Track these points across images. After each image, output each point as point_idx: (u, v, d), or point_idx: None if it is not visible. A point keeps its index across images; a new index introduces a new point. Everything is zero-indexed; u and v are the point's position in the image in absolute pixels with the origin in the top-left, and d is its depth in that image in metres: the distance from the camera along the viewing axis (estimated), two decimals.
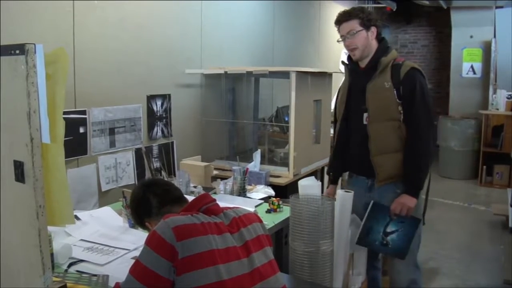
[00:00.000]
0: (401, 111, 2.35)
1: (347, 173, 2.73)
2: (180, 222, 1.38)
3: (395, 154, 2.39)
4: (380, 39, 2.46)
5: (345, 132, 2.58)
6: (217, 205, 1.56)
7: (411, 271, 2.51)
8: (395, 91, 2.35)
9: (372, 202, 2.38)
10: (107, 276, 1.72)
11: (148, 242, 1.38)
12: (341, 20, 2.45)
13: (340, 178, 2.78)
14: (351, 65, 2.54)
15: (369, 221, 2.39)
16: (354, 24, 2.40)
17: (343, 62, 2.62)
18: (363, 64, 2.47)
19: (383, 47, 2.44)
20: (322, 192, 2.54)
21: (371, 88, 2.40)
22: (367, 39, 2.41)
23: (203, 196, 1.59)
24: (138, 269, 1.36)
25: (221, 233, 1.44)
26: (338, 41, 2.53)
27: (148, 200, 1.65)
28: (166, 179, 2.75)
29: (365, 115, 2.42)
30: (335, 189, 2.66)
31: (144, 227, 1.70)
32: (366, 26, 2.40)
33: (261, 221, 1.63)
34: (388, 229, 2.40)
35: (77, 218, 2.22)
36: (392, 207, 2.37)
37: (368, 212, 2.38)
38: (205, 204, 1.53)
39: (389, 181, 2.41)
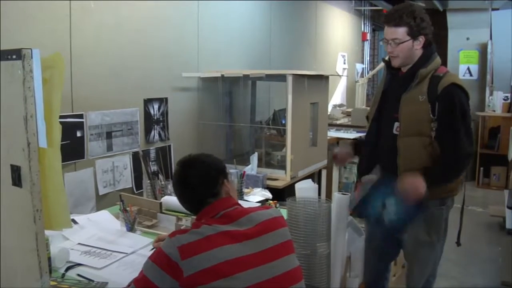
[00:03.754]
0: (433, 128, 2.18)
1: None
2: (184, 240, 1.39)
3: None
4: (426, 45, 2.26)
5: (374, 134, 2.42)
6: (238, 209, 1.54)
7: (427, 282, 2.43)
8: (429, 106, 2.17)
9: (377, 166, 2.24)
10: (106, 283, 1.72)
11: (153, 258, 1.42)
12: (389, 22, 2.24)
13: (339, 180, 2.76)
14: (392, 67, 2.36)
15: (374, 189, 2.26)
16: (401, 32, 2.20)
17: (383, 60, 2.44)
18: (404, 68, 2.31)
19: (426, 55, 2.25)
20: (319, 194, 2.54)
21: (405, 99, 2.23)
22: (411, 50, 2.23)
23: (222, 201, 1.57)
24: (142, 281, 1.40)
25: (233, 243, 1.42)
26: (380, 41, 2.42)
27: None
28: (162, 182, 2.75)
29: (396, 124, 2.26)
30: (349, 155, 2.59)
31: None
32: (413, 35, 2.20)
33: (286, 225, 1.61)
34: (388, 204, 2.24)
35: (74, 222, 2.23)
36: (399, 186, 2.11)
37: (377, 177, 2.26)
38: (223, 209, 1.52)
39: None
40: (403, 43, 2.21)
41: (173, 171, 1.69)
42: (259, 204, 2.72)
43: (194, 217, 1.63)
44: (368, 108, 2.70)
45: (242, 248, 1.43)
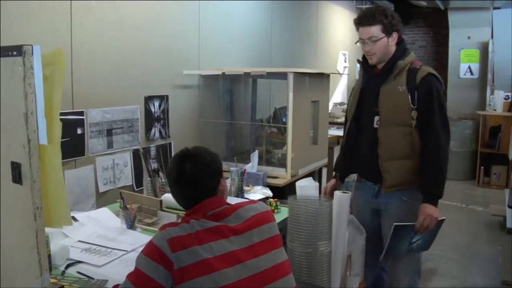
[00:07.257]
0: (414, 117, 2.27)
1: (354, 174, 2.68)
2: (175, 233, 1.42)
3: (404, 161, 2.31)
4: (398, 41, 2.36)
5: (355, 133, 2.50)
6: (226, 208, 1.55)
7: (412, 279, 2.45)
8: (409, 96, 2.26)
9: (394, 225, 2.25)
10: (106, 281, 1.71)
11: (145, 252, 1.43)
12: (363, 23, 2.32)
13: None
14: (367, 65, 2.44)
15: (393, 242, 2.29)
16: (376, 30, 2.29)
17: (358, 61, 2.52)
18: (380, 66, 2.39)
19: (401, 50, 2.35)
20: (320, 192, 2.54)
21: (385, 91, 2.32)
22: (387, 46, 2.32)
23: (213, 200, 1.56)
24: (135, 274, 1.41)
25: (220, 239, 1.45)
26: (356, 43, 2.43)
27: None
28: (163, 180, 2.75)
29: (376, 118, 2.35)
30: (335, 186, 2.62)
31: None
32: (388, 32, 2.30)
33: (274, 220, 1.63)
34: (414, 240, 2.33)
35: (74, 219, 2.22)
36: (419, 223, 2.27)
37: (390, 236, 2.27)
38: (213, 209, 1.53)
39: (396, 189, 2.34)
40: (379, 40, 2.30)
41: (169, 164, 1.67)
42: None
43: None
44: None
45: (230, 244, 1.46)
